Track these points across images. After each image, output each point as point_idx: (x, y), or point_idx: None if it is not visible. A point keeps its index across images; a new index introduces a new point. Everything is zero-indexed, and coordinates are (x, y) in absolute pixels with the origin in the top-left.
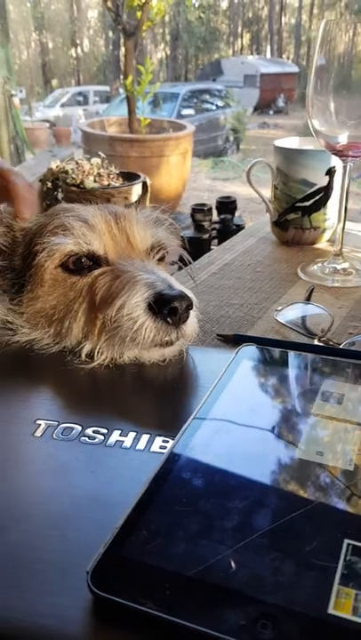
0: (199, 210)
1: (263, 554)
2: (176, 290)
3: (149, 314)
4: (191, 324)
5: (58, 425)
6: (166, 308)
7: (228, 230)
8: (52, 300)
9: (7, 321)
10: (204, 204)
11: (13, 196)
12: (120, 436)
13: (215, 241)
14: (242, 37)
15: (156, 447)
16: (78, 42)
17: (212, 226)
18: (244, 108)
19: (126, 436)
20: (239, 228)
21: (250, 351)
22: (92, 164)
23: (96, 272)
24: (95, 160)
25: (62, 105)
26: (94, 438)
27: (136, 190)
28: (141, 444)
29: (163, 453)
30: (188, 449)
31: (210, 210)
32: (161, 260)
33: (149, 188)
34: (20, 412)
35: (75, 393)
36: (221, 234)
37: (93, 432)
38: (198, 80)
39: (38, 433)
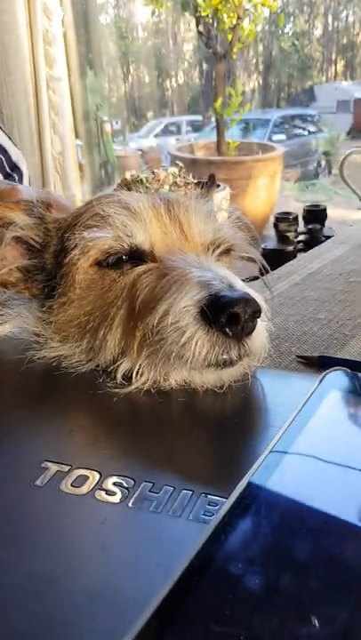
0: (283, 219)
1: None
2: (238, 291)
3: (202, 322)
4: (259, 338)
5: (70, 470)
6: (224, 314)
7: (316, 242)
8: (86, 306)
9: (35, 333)
10: (288, 213)
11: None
12: (150, 491)
13: (301, 254)
14: (335, 64)
15: (198, 512)
16: (173, 74)
17: (298, 237)
18: (337, 132)
19: (158, 492)
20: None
21: (339, 377)
22: (168, 173)
23: (139, 269)
24: (172, 169)
25: (156, 135)
26: (113, 493)
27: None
28: (178, 507)
29: (206, 523)
30: (241, 522)
31: (295, 219)
32: (224, 254)
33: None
34: (26, 451)
35: (102, 426)
36: (309, 246)
37: (114, 484)
38: (290, 107)
39: (42, 481)
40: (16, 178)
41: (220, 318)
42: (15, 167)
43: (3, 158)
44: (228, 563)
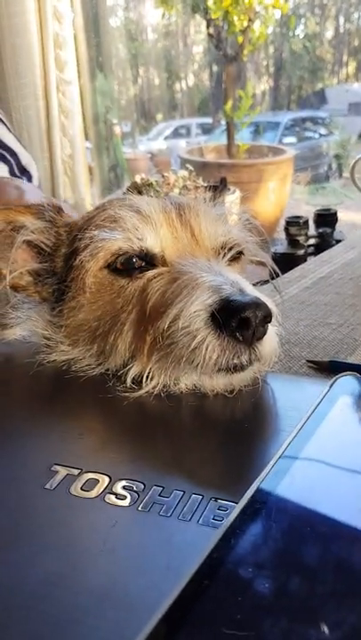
0: (294, 223)
1: None
2: (249, 296)
3: (212, 327)
4: (269, 343)
5: (79, 474)
6: (235, 319)
7: (326, 246)
8: (96, 310)
9: (45, 336)
10: (299, 217)
11: None
12: (160, 495)
13: (312, 258)
14: (347, 66)
15: (208, 516)
16: (183, 76)
17: (309, 241)
18: (349, 135)
19: (168, 496)
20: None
21: (350, 382)
22: (178, 177)
23: (149, 274)
24: (182, 172)
25: (165, 138)
26: (123, 497)
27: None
28: (188, 511)
29: (216, 528)
30: (250, 527)
31: (306, 223)
32: (234, 260)
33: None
34: (36, 455)
35: (111, 430)
36: (319, 250)
37: (124, 488)
38: (301, 109)
39: (52, 484)
40: (25, 181)
41: (231, 323)
42: (25, 170)
43: (12, 162)
44: (237, 567)
